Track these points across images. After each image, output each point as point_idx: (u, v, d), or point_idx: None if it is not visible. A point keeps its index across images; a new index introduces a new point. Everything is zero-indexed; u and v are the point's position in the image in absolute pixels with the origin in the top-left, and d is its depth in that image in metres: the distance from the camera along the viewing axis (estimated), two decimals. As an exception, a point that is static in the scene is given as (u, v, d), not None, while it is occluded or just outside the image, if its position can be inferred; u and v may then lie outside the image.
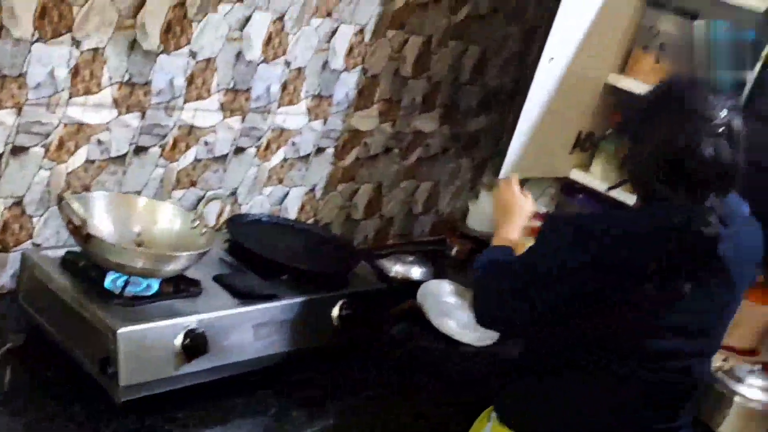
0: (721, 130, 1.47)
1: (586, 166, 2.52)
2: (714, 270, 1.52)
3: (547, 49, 2.13)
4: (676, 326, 1.54)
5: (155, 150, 1.83)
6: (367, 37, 2.14)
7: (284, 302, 1.67)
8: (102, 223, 1.59)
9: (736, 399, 2.03)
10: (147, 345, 1.45)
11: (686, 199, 1.48)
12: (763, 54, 2.07)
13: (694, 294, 1.50)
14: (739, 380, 2.05)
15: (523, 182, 2.68)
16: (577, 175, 2.50)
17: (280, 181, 2.15)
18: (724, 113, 1.48)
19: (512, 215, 1.80)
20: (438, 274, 2.30)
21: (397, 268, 2.23)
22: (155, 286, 1.58)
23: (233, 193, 2.05)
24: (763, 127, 2.07)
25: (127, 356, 1.41)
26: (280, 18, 1.93)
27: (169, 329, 1.48)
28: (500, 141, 2.77)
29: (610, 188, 1.74)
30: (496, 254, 1.69)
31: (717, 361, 2.18)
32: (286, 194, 2.18)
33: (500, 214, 1.83)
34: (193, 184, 1.94)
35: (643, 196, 1.58)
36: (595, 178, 2.47)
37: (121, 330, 1.41)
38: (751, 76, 2.06)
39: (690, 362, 1.59)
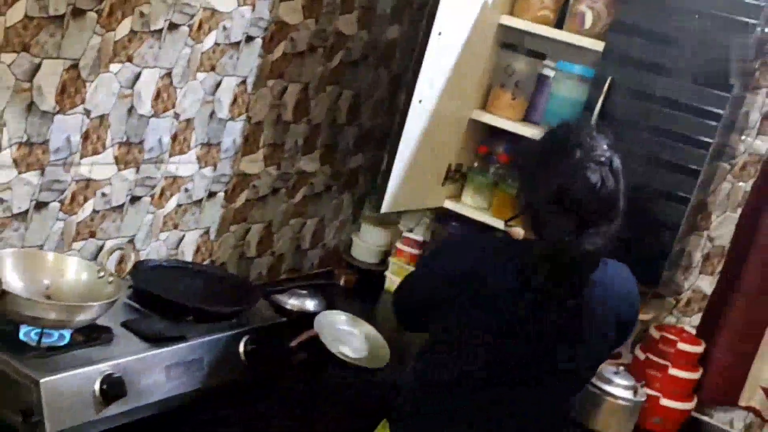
0: (604, 159, 1.61)
1: (457, 196, 2.74)
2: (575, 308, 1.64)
3: (417, 92, 2.33)
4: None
5: (55, 204, 1.90)
6: (250, 87, 2.29)
7: (192, 342, 1.78)
8: (12, 279, 1.65)
9: (606, 398, 2.28)
10: (68, 392, 1.52)
11: (572, 225, 1.58)
12: (604, 89, 2.34)
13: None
14: (607, 381, 2.29)
15: (401, 214, 2.89)
16: (450, 204, 2.72)
17: (176, 226, 2.25)
18: (605, 147, 1.63)
19: None
20: (330, 304, 2.44)
21: (292, 302, 2.36)
22: (67, 336, 1.65)
23: (131, 241, 2.13)
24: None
25: (50, 405, 1.49)
26: (168, 74, 2.04)
27: (87, 376, 1.56)
28: (377, 177, 2.96)
29: (506, 221, 1.80)
30: None
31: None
32: (182, 238, 2.28)
33: None
34: (92, 234, 2.02)
35: (533, 227, 1.67)
36: (465, 205, 2.69)
37: (44, 380, 1.48)
38: (596, 109, 2.32)
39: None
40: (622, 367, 2.39)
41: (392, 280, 2.81)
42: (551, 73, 2.61)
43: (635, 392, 2.29)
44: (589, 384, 2.22)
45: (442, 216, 2.84)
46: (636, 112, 2.30)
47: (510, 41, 2.61)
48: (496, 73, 2.63)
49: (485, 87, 2.65)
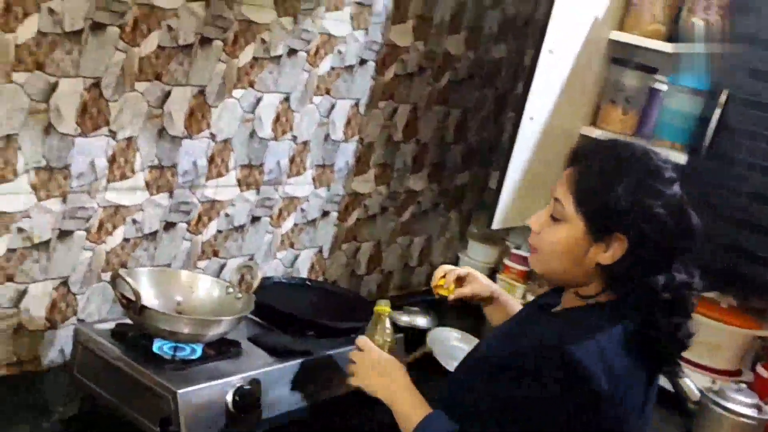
0: (675, 190, 1.42)
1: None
2: None
3: (527, 109, 2.35)
4: None
5: (182, 225, 1.99)
6: (362, 109, 2.34)
7: (317, 356, 1.83)
8: (148, 295, 1.73)
9: (728, 416, 2.22)
10: (202, 403, 1.59)
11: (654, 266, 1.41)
12: (720, 100, 2.30)
13: None
14: (730, 399, 2.23)
15: (509, 230, 2.89)
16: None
17: (292, 245, 2.32)
18: (674, 178, 1.44)
19: (391, 372, 1.62)
20: (440, 320, 2.46)
21: (404, 318, 2.39)
22: (199, 350, 1.73)
23: (251, 259, 2.21)
24: (723, 165, 2.31)
25: (187, 415, 1.55)
26: (286, 98, 2.11)
27: (221, 388, 1.62)
28: (483, 193, 2.98)
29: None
30: None
31: (705, 382, 2.37)
32: (297, 256, 2.35)
33: (379, 380, 1.61)
34: (215, 253, 2.10)
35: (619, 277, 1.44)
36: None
37: (181, 391, 1.55)
38: (713, 120, 2.29)
39: None
40: (743, 385, 2.32)
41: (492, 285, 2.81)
42: (663, 87, 2.58)
43: (759, 410, 2.23)
44: (710, 402, 2.17)
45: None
46: (753, 122, 2.26)
47: (620, 56, 2.59)
48: (607, 88, 2.62)
49: (595, 102, 2.65)
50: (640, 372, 1.43)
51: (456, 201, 2.89)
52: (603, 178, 1.42)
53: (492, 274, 2.91)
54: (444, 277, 1.89)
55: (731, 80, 2.29)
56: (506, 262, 2.88)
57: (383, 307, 1.78)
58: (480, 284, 1.91)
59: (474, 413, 1.43)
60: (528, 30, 2.83)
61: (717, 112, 2.29)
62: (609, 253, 1.42)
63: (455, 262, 2.98)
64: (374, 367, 1.63)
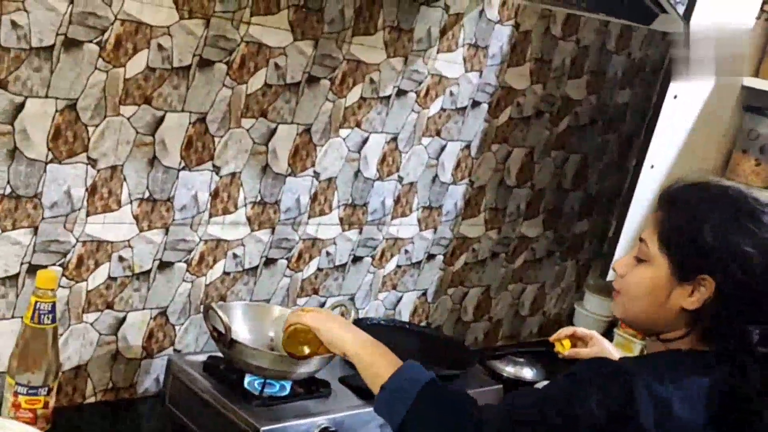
0: None
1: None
2: None
3: (648, 156, 2.23)
4: None
5: (283, 261, 2.00)
6: (473, 151, 2.29)
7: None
8: (240, 329, 1.74)
9: None
10: (285, 443, 1.57)
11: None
12: None
13: None
14: None
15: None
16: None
17: (394, 287, 2.28)
18: None
19: (354, 328, 1.55)
20: (549, 373, 2.36)
21: (509, 369, 2.31)
22: (288, 387, 1.71)
23: (351, 299, 2.19)
24: None
25: (269, 453, 1.54)
26: (394, 138, 2.09)
27: (305, 427, 1.60)
28: (603, 243, 2.85)
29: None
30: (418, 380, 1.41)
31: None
32: (400, 298, 2.31)
33: (341, 332, 1.50)
34: (315, 291, 2.10)
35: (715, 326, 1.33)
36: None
37: (264, 428, 1.54)
38: None
39: None
40: None
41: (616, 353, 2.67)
42: None
43: None
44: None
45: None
46: None
47: (755, 104, 2.43)
48: (739, 138, 2.47)
49: (725, 152, 2.49)
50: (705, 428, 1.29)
51: (573, 250, 2.78)
52: (689, 215, 1.33)
53: (609, 328, 2.78)
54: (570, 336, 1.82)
55: None
56: (624, 316, 2.73)
57: None
58: (601, 348, 1.81)
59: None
60: (658, 75, 2.70)
61: None
62: (695, 297, 1.32)
63: (570, 314, 2.86)
64: (335, 319, 1.54)
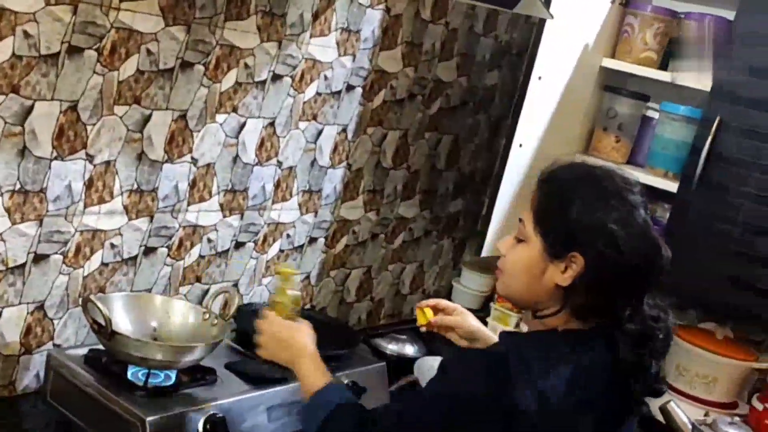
0: (637, 214, 1.39)
1: (559, 240, 2.69)
2: None
3: (517, 136, 2.33)
4: None
5: (163, 250, 1.97)
6: (350, 135, 2.33)
7: (294, 384, 1.79)
8: (122, 320, 1.72)
9: (721, 449, 2.17)
10: None
11: (638, 295, 1.39)
12: (713, 129, 2.27)
13: None
14: None
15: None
16: (552, 249, 2.67)
17: (278, 272, 2.29)
18: (640, 196, 1.41)
19: (293, 345, 1.61)
20: (430, 349, 2.43)
21: (392, 347, 2.36)
22: (173, 376, 1.70)
23: (235, 285, 2.19)
24: (716, 194, 2.27)
25: (155, 443, 1.53)
26: (271, 123, 2.10)
27: (192, 416, 1.60)
28: (477, 221, 2.95)
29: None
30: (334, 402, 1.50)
31: (698, 415, 2.32)
32: (283, 284, 2.32)
33: (284, 353, 1.61)
34: (198, 279, 2.08)
35: (579, 302, 1.41)
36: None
37: (150, 419, 1.53)
38: (704, 150, 2.26)
39: None
40: (737, 418, 2.27)
41: (494, 326, 2.78)
42: (656, 115, 2.55)
43: (752, 445, 2.18)
44: (704, 437, 2.13)
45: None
46: (747, 151, 2.23)
47: (612, 84, 2.58)
48: (599, 116, 2.60)
49: (588, 130, 2.63)
50: (590, 410, 1.38)
51: (449, 228, 2.86)
52: (559, 195, 1.41)
53: (486, 302, 2.88)
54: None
55: (724, 108, 2.26)
56: (500, 290, 2.84)
57: (286, 269, 1.75)
58: (465, 320, 1.86)
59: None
60: (523, 57, 2.81)
61: (708, 141, 2.26)
62: (567, 274, 1.39)
63: (449, 291, 2.95)
64: (278, 339, 1.62)
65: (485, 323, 2.83)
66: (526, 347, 1.39)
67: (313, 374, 1.56)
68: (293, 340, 1.61)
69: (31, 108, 1.61)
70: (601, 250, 1.36)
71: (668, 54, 2.49)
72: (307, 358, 1.58)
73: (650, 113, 2.58)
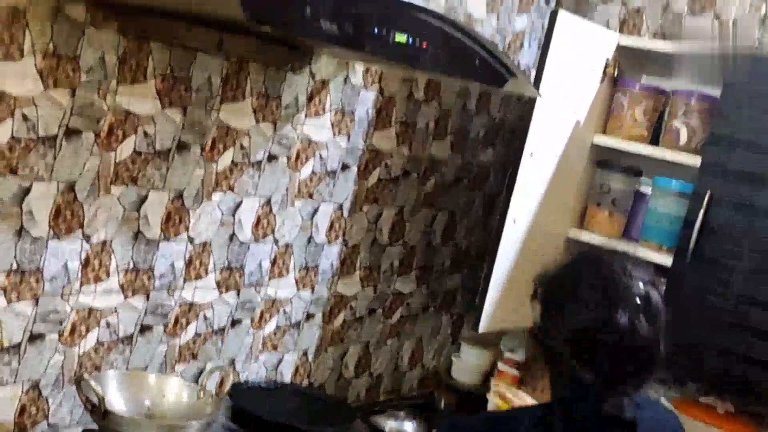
0: (638, 301, 1.41)
1: (557, 315, 2.69)
2: None
3: (510, 212, 2.36)
4: None
5: (159, 328, 1.99)
6: (346, 212, 2.37)
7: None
8: (116, 399, 1.72)
9: None
10: None
11: (599, 379, 1.41)
12: (704, 203, 2.30)
13: None
14: None
15: (502, 334, 2.86)
16: (550, 324, 2.67)
17: (275, 348, 2.30)
18: (641, 285, 1.43)
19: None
20: (430, 426, 2.41)
21: (390, 424, 2.35)
22: (166, 455, 1.70)
23: (231, 363, 2.19)
24: (710, 267, 2.29)
25: None
26: (267, 202, 2.14)
27: (182, 495, 1.59)
28: (475, 297, 2.96)
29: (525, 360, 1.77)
30: None
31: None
32: (281, 360, 2.33)
33: None
34: (194, 357, 2.09)
35: (550, 378, 1.50)
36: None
37: (139, 498, 1.52)
38: (696, 225, 2.28)
39: None
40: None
41: (494, 402, 2.76)
42: (648, 190, 2.58)
43: None
44: None
45: (543, 336, 2.79)
46: (738, 225, 2.25)
47: (604, 159, 2.62)
48: (592, 191, 2.63)
49: (582, 205, 2.65)
50: None
51: (447, 304, 2.87)
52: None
53: (486, 378, 2.87)
54: None
55: (715, 183, 2.29)
56: (500, 366, 2.83)
57: None
58: None
59: None
60: (516, 135, 2.86)
61: (700, 215, 2.28)
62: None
63: (448, 366, 2.94)
64: None
65: (485, 399, 2.82)
66: None
67: None
68: None
69: (29, 189, 1.65)
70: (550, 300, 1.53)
71: (658, 129, 2.53)
72: None
73: (643, 188, 2.61)
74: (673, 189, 2.48)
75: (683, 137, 2.46)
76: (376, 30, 1.57)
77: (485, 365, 2.90)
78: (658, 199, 2.52)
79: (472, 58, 1.80)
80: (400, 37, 1.62)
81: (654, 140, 2.53)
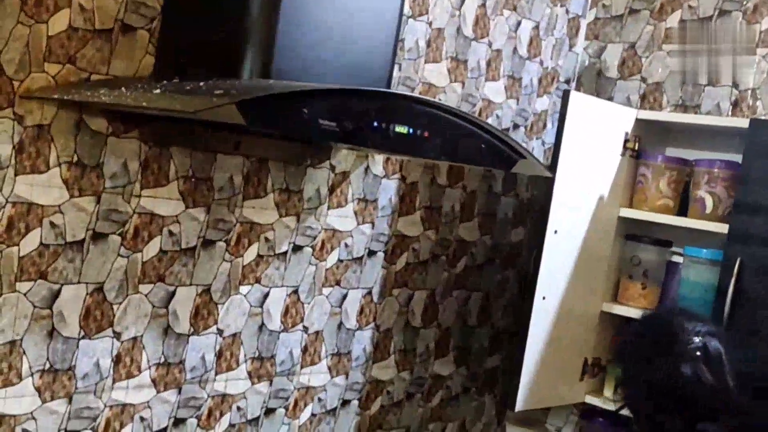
0: (697, 353, 1.61)
1: (598, 391, 2.66)
2: None
3: (539, 289, 2.37)
4: None
5: (192, 420, 2.05)
6: (375, 297, 2.41)
7: None
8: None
9: None
10: None
11: (680, 422, 1.59)
12: (734, 271, 2.28)
13: None
14: None
15: (547, 410, 2.83)
16: (592, 400, 2.64)
17: (310, 437, 2.33)
18: (698, 338, 1.63)
19: None
20: None
21: None
22: None
23: (266, 453, 2.23)
24: (745, 335, 2.25)
25: None
26: (295, 291, 2.21)
27: None
28: (518, 376, 2.94)
29: (617, 410, 1.86)
30: None
31: None
32: (317, 448, 2.36)
33: None
34: (228, 448, 2.14)
35: (637, 422, 1.70)
36: (608, 399, 2.61)
37: None
38: (729, 292, 2.26)
39: None
40: None
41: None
42: (680, 259, 2.57)
43: None
44: None
45: (589, 412, 2.75)
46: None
47: (633, 232, 2.62)
48: (623, 264, 2.63)
49: (614, 279, 2.65)
50: None
51: (489, 385, 2.87)
52: None
53: (533, 459, 2.83)
54: None
55: (743, 250, 2.27)
56: (546, 446, 2.80)
57: None
58: None
59: None
60: (543, 213, 2.89)
61: (732, 283, 2.26)
62: None
63: (494, 449, 2.91)
64: None
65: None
66: None
67: None
68: None
69: (59, 292, 1.75)
70: None
71: (685, 199, 2.53)
72: None
73: (675, 258, 2.60)
74: (703, 258, 2.46)
75: (709, 206, 2.45)
76: (375, 124, 1.64)
77: (531, 446, 2.86)
78: (690, 269, 2.50)
79: (477, 143, 1.85)
80: (401, 129, 1.69)
81: (682, 210, 2.53)
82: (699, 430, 1.56)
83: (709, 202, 2.46)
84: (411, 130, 1.70)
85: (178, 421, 2.02)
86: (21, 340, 1.71)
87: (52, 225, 1.71)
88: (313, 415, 2.33)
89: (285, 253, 2.16)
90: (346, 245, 2.30)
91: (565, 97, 2.37)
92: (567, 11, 2.82)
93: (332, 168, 2.22)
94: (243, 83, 1.62)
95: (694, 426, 1.58)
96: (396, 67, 2.23)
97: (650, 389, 1.62)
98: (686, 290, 2.50)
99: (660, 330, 1.68)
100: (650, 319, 1.79)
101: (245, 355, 2.13)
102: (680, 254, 2.57)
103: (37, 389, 1.75)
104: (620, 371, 1.78)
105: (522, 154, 1.93)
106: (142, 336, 1.91)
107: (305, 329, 2.26)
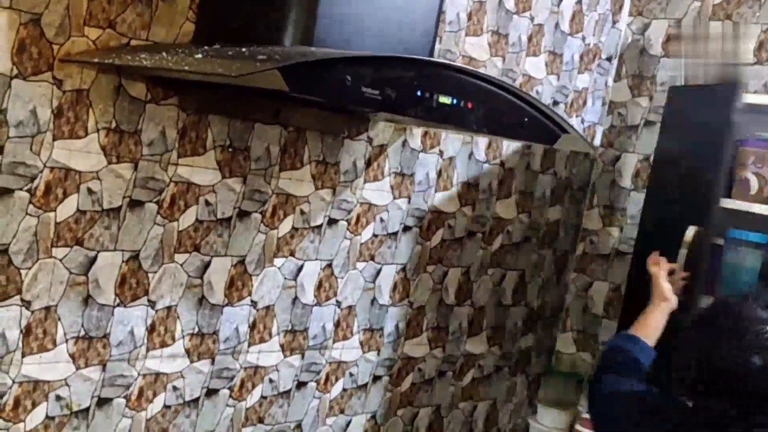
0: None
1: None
2: None
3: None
4: None
5: (225, 391, 2.03)
6: (409, 273, 2.38)
7: None
8: (177, 461, 1.76)
9: None
10: None
11: (733, 412, 1.50)
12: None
13: None
14: None
15: (579, 391, 2.78)
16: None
17: (342, 411, 2.31)
18: None
19: (653, 298, 2.01)
20: (499, 491, 2.37)
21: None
22: None
23: (298, 425, 2.21)
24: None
25: None
26: (329, 265, 2.18)
27: None
28: (551, 356, 2.91)
29: (673, 398, 1.76)
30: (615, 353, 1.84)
31: None
32: (348, 423, 2.34)
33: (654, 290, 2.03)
34: (260, 420, 2.12)
35: (694, 410, 1.59)
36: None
37: None
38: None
39: None
40: None
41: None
42: (721, 242, 2.51)
43: None
44: None
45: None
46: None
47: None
48: (663, 246, 2.57)
49: (653, 260, 2.59)
50: None
51: (521, 365, 2.83)
52: None
53: (565, 441, 2.80)
54: None
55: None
56: (578, 427, 2.76)
57: None
58: None
59: None
60: (585, 191, 2.84)
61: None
62: None
63: (525, 429, 2.88)
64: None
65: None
66: None
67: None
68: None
69: (95, 259, 1.74)
70: None
71: (730, 180, 2.46)
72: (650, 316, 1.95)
73: (719, 240, 2.53)
74: (748, 240, 2.40)
75: (754, 187, 2.39)
76: (418, 93, 1.60)
77: (564, 427, 2.82)
78: (733, 252, 2.44)
79: (521, 117, 1.80)
80: (444, 99, 1.65)
81: (726, 192, 2.46)
82: (759, 424, 1.47)
83: (754, 183, 2.39)
84: (455, 101, 1.66)
85: (211, 392, 2.01)
86: (56, 306, 1.70)
87: (90, 191, 1.70)
88: (344, 389, 2.31)
89: (320, 226, 2.14)
90: (382, 220, 2.27)
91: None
92: (611, -14, 2.76)
93: (369, 140, 2.18)
94: (286, 50, 1.58)
95: (748, 417, 1.49)
96: (437, 39, 2.19)
97: (715, 377, 1.51)
98: (729, 274, 2.44)
99: (730, 317, 1.55)
100: (720, 305, 1.62)
101: (278, 328, 2.12)
102: (723, 237, 2.51)
103: (72, 356, 1.75)
104: (681, 356, 1.61)
105: (565, 129, 1.89)
106: (176, 305, 1.90)
107: (338, 304, 2.24)
